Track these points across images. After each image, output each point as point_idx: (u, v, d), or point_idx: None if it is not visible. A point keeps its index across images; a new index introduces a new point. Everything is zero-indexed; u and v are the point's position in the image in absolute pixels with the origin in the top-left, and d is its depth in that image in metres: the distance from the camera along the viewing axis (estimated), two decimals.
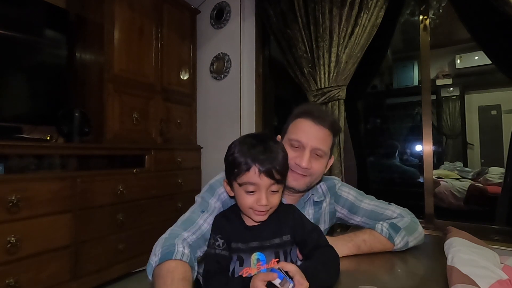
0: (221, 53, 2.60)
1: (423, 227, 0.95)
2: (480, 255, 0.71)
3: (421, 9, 2.06)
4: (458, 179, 3.49)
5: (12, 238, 1.42)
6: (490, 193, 3.00)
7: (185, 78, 2.59)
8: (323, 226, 0.97)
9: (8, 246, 1.41)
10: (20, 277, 1.45)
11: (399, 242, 0.87)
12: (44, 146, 1.72)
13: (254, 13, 2.52)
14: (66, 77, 2.03)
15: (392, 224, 0.89)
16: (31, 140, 1.74)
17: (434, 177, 2.18)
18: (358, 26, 1.91)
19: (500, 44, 1.84)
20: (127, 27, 2.09)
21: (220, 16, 2.62)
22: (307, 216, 0.90)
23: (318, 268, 0.64)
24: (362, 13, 1.90)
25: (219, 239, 0.70)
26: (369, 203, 0.97)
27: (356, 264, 0.82)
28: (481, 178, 3.38)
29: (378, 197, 1.02)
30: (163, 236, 0.75)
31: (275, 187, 0.68)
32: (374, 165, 3.77)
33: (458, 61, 4.02)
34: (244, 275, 0.68)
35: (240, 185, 0.68)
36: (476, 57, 3.80)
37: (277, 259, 0.70)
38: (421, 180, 2.63)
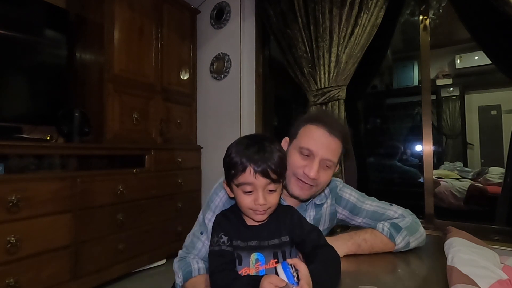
0: (221, 53, 2.60)
1: (423, 227, 0.95)
2: (480, 255, 0.71)
3: (421, 9, 2.06)
4: (458, 179, 3.49)
5: (12, 238, 1.42)
6: (490, 193, 3.00)
7: (185, 78, 2.59)
8: (323, 227, 0.96)
9: (8, 246, 1.41)
10: (20, 277, 1.45)
11: (400, 241, 0.87)
12: (44, 146, 1.72)
13: (254, 13, 2.52)
14: (66, 77, 2.03)
15: (393, 224, 0.89)
16: (31, 140, 1.74)
17: (434, 177, 2.18)
18: (358, 26, 1.91)
19: (500, 44, 1.85)
20: (127, 27, 2.09)
21: (220, 16, 2.62)
22: (308, 218, 0.90)
23: (320, 270, 0.63)
24: (362, 13, 1.90)
25: (223, 236, 0.71)
26: (371, 204, 0.96)
27: (356, 264, 0.82)
28: (481, 178, 3.38)
29: (379, 197, 1.01)
30: (176, 259, 0.87)
31: (272, 187, 0.69)
32: (375, 166, 3.77)
33: (458, 61, 4.02)
34: (243, 275, 0.68)
35: (237, 186, 0.69)
36: (476, 57, 3.80)
37: (276, 260, 0.70)
38: (421, 180, 2.63)
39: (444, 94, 4.39)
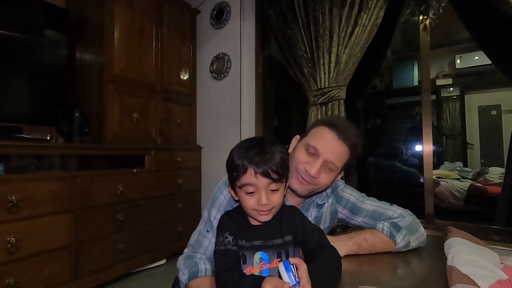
0: (221, 53, 2.60)
1: (423, 227, 0.95)
2: (480, 255, 0.71)
3: (421, 9, 2.06)
4: (458, 179, 3.49)
5: (12, 238, 1.42)
6: (490, 193, 3.00)
7: (185, 78, 2.59)
8: (323, 226, 0.97)
9: (8, 246, 1.41)
10: (20, 277, 1.45)
11: (400, 240, 0.87)
12: (44, 146, 1.72)
13: (254, 13, 2.52)
14: (66, 77, 2.03)
15: (393, 223, 0.89)
16: (31, 140, 1.74)
17: (434, 177, 2.18)
18: (358, 26, 1.91)
19: (500, 44, 1.85)
20: (127, 27, 2.09)
21: (220, 16, 2.62)
22: (309, 217, 0.92)
23: (320, 270, 0.64)
24: (362, 13, 1.90)
25: (228, 235, 0.72)
26: (370, 204, 0.97)
27: (356, 264, 0.82)
28: (481, 178, 3.38)
29: (379, 197, 1.02)
30: (182, 256, 0.87)
31: (274, 186, 0.70)
32: (376, 166, 3.77)
33: (458, 61, 4.02)
34: (247, 274, 0.69)
35: (240, 187, 0.71)
36: (476, 57, 3.80)
37: (279, 259, 0.71)
38: (421, 180, 2.64)
39: (444, 94, 4.38)
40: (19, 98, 1.84)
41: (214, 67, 2.64)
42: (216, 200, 0.88)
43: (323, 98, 1.97)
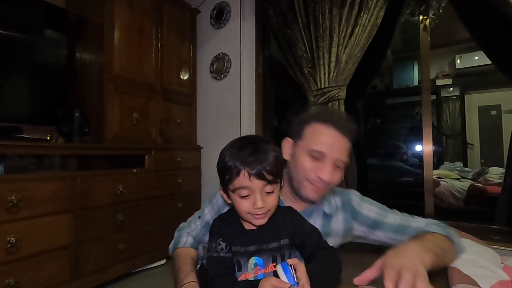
0: (221, 53, 2.60)
1: None
2: (481, 254, 0.71)
3: (421, 9, 2.06)
4: (458, 179, 3.50)
5: (12, 238, 1.42)
6: (490, 193, 3.00)
7: (185, 78, 2.59)
8: (333, 241, 0.86)
9: (8, 246, 1.40)
10: (20, 277, 1.44)
11: (455, 238, 0.75)
12: (44, 146, 1.72)
13: (254, 13, 2.52)
14: (66, 77, 2.03)
15: (440, 225, 0.80)
16: (31, 140, 1.74)
17: (434, 177, 2.18)
18: (358, 26, 1.91)
19: (500, 44, 1.85)
20: (127, 27, 2.08)
21: (220, 16, 2.62)
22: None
23: (318, 272, 0.63)
24: (362, 13, 1.90)
25: (221, 242, 0.69)
26: (394, 217, 0.85)
27: (356, 263, 0.82)
28: (481, 178, 3.38)
29: (379, 197, 1.00)
30: (176, 229, 0.99)
31: (269, 188, 0.66)
32: (376, 166, 3.77)
33: (458, 61, 4.02)
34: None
35: (233, 191, 0.67)
36: (476, 57, 3.81)
37: (275, 264, 0.69)
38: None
39: (444, 94, 4.39)
40: (19, 98, 1.84)
41: (214, 67, 2.64)
42: (214, 198, 0.90)
43: (323, 98, 1.97)
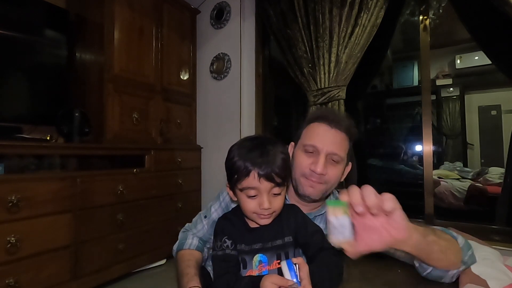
0: (221, 53, 2.60)
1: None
2: (490, 253, 0.70)
3: (421, 9, 2.06)
4: (458, 179, 3.49)
5: (12, 238, 1.42)
6: (490, 193, 3.00)
7: (185, 78, 2.59)
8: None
9: (8, 246, 1.40)
10: (20, 277, 1.44)
11: (461, 241, 0.69)
12: (44, 146, 1.72)
13: (254, 13, 2.52)
14: (66, 77, 2.03)
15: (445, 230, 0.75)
16: (31, 140, 1.74)
17: (434, 177, 2.18)
18: (358, 26, 1.91)
19: (500, 44, 1.84)
20: (127, 27, 2.08)
21: (220, 16, 2.62)
22: None
23: (321, 273, 0.63)
24: (362, 13, 1.90)
25: (226, 240, 0.70)
26: None
27: (356, 264, 0.82)
28: (481, 178, 3.38)
29: None
30: (182, 229, 0.97)
31: (276, 190, 0.68)
32: (376, 166, 3.77)
33: (458, 61, 4.02)
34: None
35: (241, 190, 0.68)
36: (476, 57, 3.81)
37: (279, 261, 0.69)
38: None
39: (444, 94, 4.39)
40: (19, 98, 1.84)
41: (214, 67, 2.64)
42: (221, 194, 0.91)
43: (323, 98, 1.97)
